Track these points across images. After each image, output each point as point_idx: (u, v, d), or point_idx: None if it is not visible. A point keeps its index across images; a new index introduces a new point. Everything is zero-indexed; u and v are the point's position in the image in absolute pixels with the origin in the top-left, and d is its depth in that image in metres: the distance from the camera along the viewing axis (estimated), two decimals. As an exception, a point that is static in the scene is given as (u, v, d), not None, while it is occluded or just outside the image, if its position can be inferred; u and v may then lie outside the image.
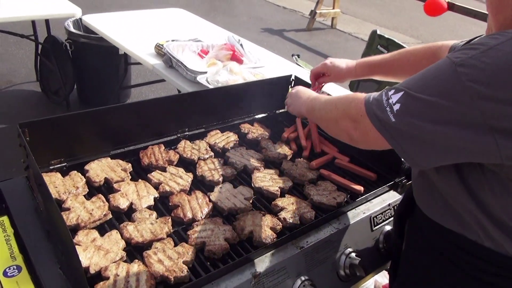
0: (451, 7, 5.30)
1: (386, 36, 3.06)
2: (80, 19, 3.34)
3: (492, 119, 0.75)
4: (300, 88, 1.41)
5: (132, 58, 3.09)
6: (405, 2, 7.37)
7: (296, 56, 3.37)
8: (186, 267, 1.00)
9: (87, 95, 3.97)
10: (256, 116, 1.78)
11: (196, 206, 1.20)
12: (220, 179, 1.34)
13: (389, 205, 1.37)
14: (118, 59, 3.63)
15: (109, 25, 2.93)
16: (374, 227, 1.32)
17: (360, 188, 1.37)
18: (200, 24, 3.41)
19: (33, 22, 3.80)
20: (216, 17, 7.10)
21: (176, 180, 1.30)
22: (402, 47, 2.93)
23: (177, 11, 3.60)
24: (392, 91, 0.87)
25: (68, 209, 1.12)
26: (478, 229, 0.89)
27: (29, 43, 4.42)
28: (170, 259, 1.01)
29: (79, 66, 3.73)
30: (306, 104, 1.26)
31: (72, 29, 3.59)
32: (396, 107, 0.85)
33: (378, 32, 3.13)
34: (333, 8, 7.60)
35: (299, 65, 3.18)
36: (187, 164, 1.41)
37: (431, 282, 1.00)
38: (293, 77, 1.77)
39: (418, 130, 0.82)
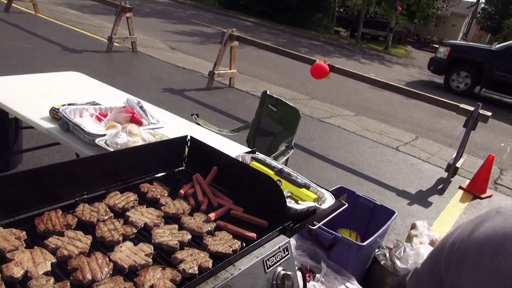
0: (331, 68, 6.09)
1: (275, 96, 3.42)
2: (-37, 83, 3.15)
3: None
4: None
5: (24, 122, 2.98)
6: (295, 64, 8.21)
7: (196, 116, 3.57)
8: (86, 328, 1.02)
9: (-30, 162, 3.65)
10: (156, 175, 1.87)
11: (96, 267, 1.23)
12: (120, 238, 1.38)
13: (279, 247, 1.53)
14: (7, 124, 3.46)
15: (-2, 90, 2.83)
16: (267, 269, 1.47)
17: (253, 235, 1.52)
18: (98, 87, 3.44)
19: None
20: (115, 77, 7.12)
21: (75, 243, 1.32)
22: (289, 105, 3.30)
23: (74, 74, 3.60)
24: None
25: (-46, 284, 1.08)
26: None
27: None
28: (69, 322, 1.03)
29: (-39, 132, 3.45)
30: None
31: (-47, 93, 3.36)
32: None
33: (268, 93, 3.49)
34: (230, 69, 8.15)
35: (199, 124, 3.37)
36: (86, 227, 1.43)
37: None
38: (188, 137, 1.92)
39: None
